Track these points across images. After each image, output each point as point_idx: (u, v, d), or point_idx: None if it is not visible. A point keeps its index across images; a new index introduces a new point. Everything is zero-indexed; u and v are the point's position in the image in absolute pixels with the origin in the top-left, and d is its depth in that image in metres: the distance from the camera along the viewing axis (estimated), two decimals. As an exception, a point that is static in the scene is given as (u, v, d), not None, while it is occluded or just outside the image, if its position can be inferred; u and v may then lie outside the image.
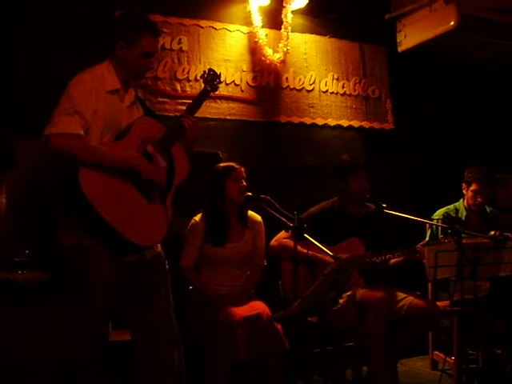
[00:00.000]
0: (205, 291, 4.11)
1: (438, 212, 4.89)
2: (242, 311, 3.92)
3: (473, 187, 4.78)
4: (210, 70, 3.50)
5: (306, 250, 3.58)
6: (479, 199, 4.76)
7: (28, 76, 4.25)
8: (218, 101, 4.93)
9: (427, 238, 4.69)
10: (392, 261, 4.23)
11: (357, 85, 5.66)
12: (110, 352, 3.10)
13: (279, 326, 3.89)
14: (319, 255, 3.90)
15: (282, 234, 4.24)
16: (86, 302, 3.01)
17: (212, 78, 3.46)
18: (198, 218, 4.21)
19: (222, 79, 4.88)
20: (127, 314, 3.25)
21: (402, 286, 4.25)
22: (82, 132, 2.90)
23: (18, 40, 4.27)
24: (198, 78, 4.76)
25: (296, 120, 5.36)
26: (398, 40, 5.70)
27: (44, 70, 4.25)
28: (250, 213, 4.30)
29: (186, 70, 4.89)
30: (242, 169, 4.21)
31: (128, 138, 3.04)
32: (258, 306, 3.99)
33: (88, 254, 2.95)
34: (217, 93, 4.75)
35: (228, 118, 5.04)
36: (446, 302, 4.45)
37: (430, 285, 4.86)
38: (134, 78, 3.21)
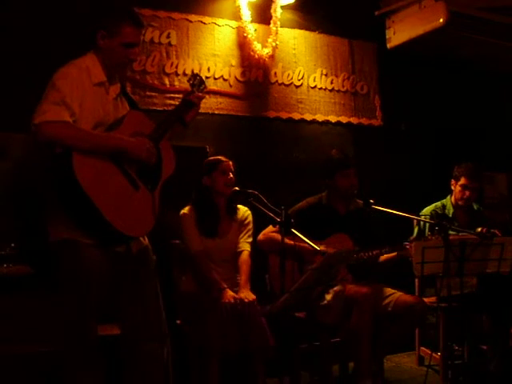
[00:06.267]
0: (212, 279, 4.04)
1: (425, 210, 4.91)
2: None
3: (461, 181, 4.81)
4: (197, 74, 3.53)
5: (293, 243, 3.58)
6: (467, 193, 4.79)
7: (14, 69, 4.23)
8: (207, 95, 4.86)
9: (414, 235, 4.71)
10: (380, 257, 4.24)
11: (345, 81, 5.66)
12: (98, 346, 3.08)
13: (264, 321, 3.89)
14: (306, 248, 3.89)
15: (270, 228, 4.24)
16: (76, 296, 2.99)
17: (199, 83, 3.47)
18: (186, 210, 4.21)
19: (211, 74, 4.96)
20: (116, 307, 3.24)
21: (390, 282, 4.26)
22: (70, 121, 2.88)
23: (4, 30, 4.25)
24: (187, 72, 4.81)
25: (284, 115, 5.36)
26: (387, 36, 5.70)
27: (29, 62, 4.22)
28: (240, 206, 4.32)
29: (175, 64, 4.87)
30: (230, 162, 4.22)
31: (119, 130, 3.03)
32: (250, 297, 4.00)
33: (78, 247, 2.94)
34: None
35: (216, 112, 5.03)
36: (433, 298, 4.47)
37: (416, 281, 4.87)
38: (116, 70, 3.15)
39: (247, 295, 3.96)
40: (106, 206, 2.86)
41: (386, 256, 4.25)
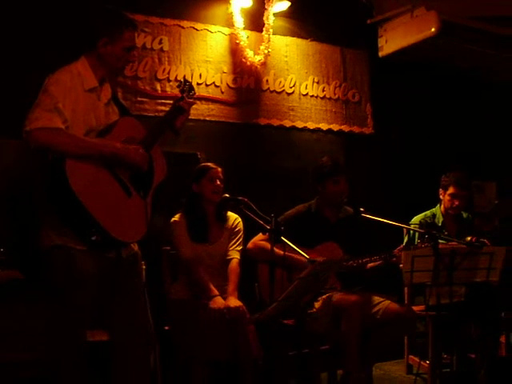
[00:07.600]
0: (205, 286, 4.03)
1: (414, 218, 4.92)
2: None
3: (450, 191, 4.80)
4: (186, 80, 3.54)
5: (282, 252, 3.58)
6: (456, 202, 4.79)
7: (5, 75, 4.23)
8: (198, 102, 4.87)
9: (404, 243, 4.71)
10: (369, 265, 4.24)
11: (337, 89, 5.68)
12: (87, 352, 3.07)
13: (253, 330, 3.89)
14: (296, 257, 3.89)
15: (259, 236, 4.23)
16: (68, 303, 2.99)
17: (188, 89, 3.48)
18: (177, 217, 4.19)
19: (202, 80, 4.97)
20: (104, 312, 3.23)
21: (379, 290, 4.27)
22: (62, 127, 2.88)
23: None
24: (179, 78, 4.80)
25: (275, 122, 5.36)
26: (379, 45, 5.74)
27: (19, 68, 4.22)
28: (230, 214, 4.31)
29: (167, 70, 4.87)
30: (219, 169, 4.21)
31: (110, 136, 3.03)
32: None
33: (70, 253, 2.93)
34: (197, 94, 4.80)
35: (207, 119, 5.03)
36: (422, 307, 4.47)
37: (406, 289, 4.87)
38: (116, 73, 3.25)
39: (234, 303, 3.95)
40: (99, 211, 2.86)
41: (374, 263, 4.25)
